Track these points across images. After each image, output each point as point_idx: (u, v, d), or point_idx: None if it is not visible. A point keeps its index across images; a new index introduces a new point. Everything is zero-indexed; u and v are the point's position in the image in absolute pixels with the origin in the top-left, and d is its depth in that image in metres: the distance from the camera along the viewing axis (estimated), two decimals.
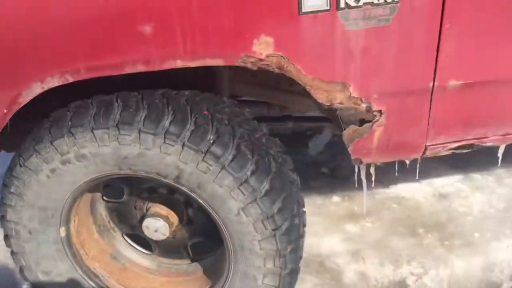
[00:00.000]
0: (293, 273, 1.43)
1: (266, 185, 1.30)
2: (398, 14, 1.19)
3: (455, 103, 1.38)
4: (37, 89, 1.22)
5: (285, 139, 2.89)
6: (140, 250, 1.72)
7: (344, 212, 2.22)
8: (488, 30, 1.25)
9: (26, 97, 1.23)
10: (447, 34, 1.23)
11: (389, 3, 1.17)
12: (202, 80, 1.55)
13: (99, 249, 1.63)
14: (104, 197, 1.65)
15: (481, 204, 2.17)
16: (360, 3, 1.16)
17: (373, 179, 1.70)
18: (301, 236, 1.43)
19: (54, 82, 1.21)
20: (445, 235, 2.03)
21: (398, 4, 1.17)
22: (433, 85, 1.32)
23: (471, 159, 2.36)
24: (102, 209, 1.66)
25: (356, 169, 1.65)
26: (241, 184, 1.27)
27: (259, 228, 1.32)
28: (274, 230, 1.32)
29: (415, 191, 2.29)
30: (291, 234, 1.36)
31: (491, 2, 1.22)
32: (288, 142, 2.79)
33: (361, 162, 1.53)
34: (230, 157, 1.26)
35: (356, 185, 1.71)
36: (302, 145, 2.72)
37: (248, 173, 1.27)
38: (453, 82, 1.32)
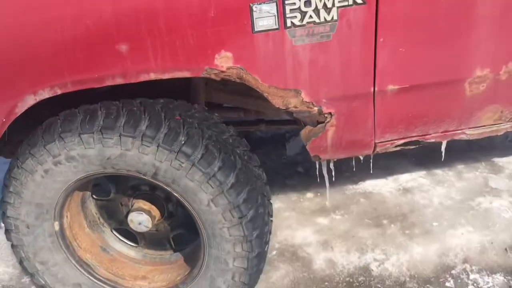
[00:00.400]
0: (260, 256, 1.63)
1: (232, 179, 1.50)
2: (337, 31, 1.39)
3: (396, 104, 1.58)
4: (30, 100, 1.42)
5: (266, 142, 3.13)
6: (127, 243, 1.91)
7: (316, 207, 2.42)
8: (416, 41, 1.46)
9: (21, 107, 1.43)
10: (381, 47, 1.43)
11: (329, 21, 1.38)
12: (181, 89, 1.76)
13: (90, 241, 1.83)
14: (93, 196, 1.85)
15: (440, 197, 2.37)
16: (304, 22, 1.37)
17: (333, 173, 1.89)
18: (266, 223, 1.63)
19: (45, 94, 1.41)
20: (407, 225, 2.23)
21: (336, 23, 1.38)
22: (374, 89, 1.52)
23: (434, 156, 2.58)
24: (92, 206, 1.86)
25: (317, 165, 1.85)
26: (209, 178, 1.47)
27: (227, 217, 1.52)
28: (240, 218, 1.52)
29: (382, 186, 2.49)
30: (256, 222, 1.56)
31: (417, 19, 1.43)
32: (268, 144, 3.04)
33: (319, 159, 1.73)
34: (199, 155, 1.46)
35: (318, 180, 1.91)
36: (281, 146, 2.93)
37: (215, 169, 1.48)
38: (391, 87, 1.52)
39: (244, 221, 1.53)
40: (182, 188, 1.50)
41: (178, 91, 1.69)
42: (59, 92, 1.40)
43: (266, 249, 1.67)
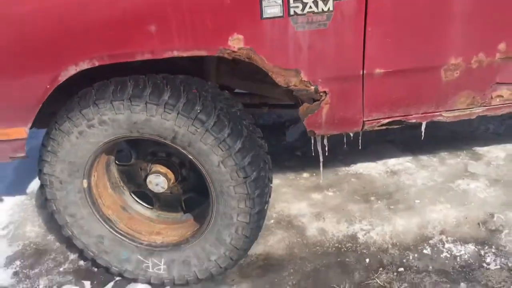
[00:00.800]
0: (260, 213, 1.89)
1: (239, 144, 1.76)
2: (333, 20, 1.65)
3: (382, 86, 1.83)
4: (72, 70, 1.68)
5: (268, 129, 3.40)
6: (144, 205, 2.17)
7: (311, 185, 2.68)
8: (400, 31, 1.71)
9: (64, 76, 1.69)
10: (369, 35, 1.69)
11: (326, 12, 1.64)
12: (196, 71, 2.02)
13: (112, 200, 2.08)
14: (117, 161, 2.11)
15: (424, 179, 2.62)
16: (305, 12, 1.63)
17: (326, 149, 2.14)
18: (266, 185, 1.89)
19: (84, 65, 1.67)
20: (392, 202, 2.49)
21: (332, 13, 1.64)
22: (363, 72, 1.78)
23: (421, 144, 2.85)
24: (115, 171, 2.12)
25: (313, 141, 2.11)
26: (220, 143, 1.73)
27: (234, 177, 1.78)
28: (245, 178, 1.78)
29: (371, 169, 2.75)
30: (258, 182, 1.82)
31: (401, 13, 1.69)
32: (270, 131, 3.30)
33: (314, 134, 1.99)
34: (212, 123, 1.72)
35: (313, 154, 2.17)
36: (281, 133, 3.20)
37: (225, 135, 1.73)
38: (378, 71, 1.78)
39: (248, 181, 1.78)
40: (196, 151, 1.76)
41: (194, 73, 1.95)
42: (96, 64, 1.66)
43: (265, 207, 1.92)
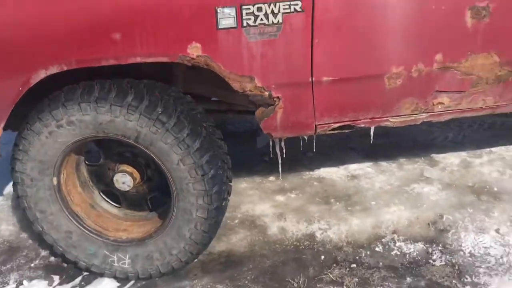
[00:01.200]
0: (218, 209, 2.02)
1: (197, 144, 1.90)
2: (282, 32, 1.82)
3: (331, 93, 1.99)
4: (42, 74, 1.82)
5: (238, 135, 3.54)
6: (111, 203, 2.30)
7: (276, 188, 2.82)
8: (345, 42, 1.88)
9: (34, 79, 1.83)
10: (317, 45, 1.86)
11: (276, 24, 1.80)
12: (165, 78, 2.17)
13: (81, 198, 2.20)
14: (86, 162, 2.24)
15: (382, 183, 2.78)
16: (257, 23, 1.79)
17: (284, 151, 2.29)
18: (224, 183, 2.03)
19: (54, 69, 1.81)
20: (350, 203, 2.63)
21: (281, 25, 1.81)
22: (312, 80, 1.94)
23: (381, 151, 3.02)
24: (84, 171, 2.24)
25: (271, 143, 2.26)
26: (179, 142, 1.88)
27: (192, 174, 1.92)
28: (202, 175, 1.92)
29: (333, 173, 2.90)
30: (216, 180, 1.96)
31: (345, 26, 1.86)
32: (241, 137, 3.45)
33: (271, 136, 2.14)
34: (172, 123, 1.86)
35: (271, 156, 2.32)
36: (253, 140, 3.35)
37: (184, 135, 1.88)
38: (325, 78, 1.94)
39: (206, 178, 1.92)
40: (158, 150, 1.90)
41: (164, 80, 2.10)
42: (65, 68, 1.81)
43: (223, 204, 2.06)
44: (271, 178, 2.91)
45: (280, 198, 2.73)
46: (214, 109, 2.68)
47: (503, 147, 3.04)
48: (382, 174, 2.86)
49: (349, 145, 3.14)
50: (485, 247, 2.26)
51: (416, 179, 2.80)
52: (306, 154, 3.05)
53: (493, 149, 3.05)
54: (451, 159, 2.96)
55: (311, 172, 2.93)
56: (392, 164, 2.96)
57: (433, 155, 3.02)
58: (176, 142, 1.87)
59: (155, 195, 2.22)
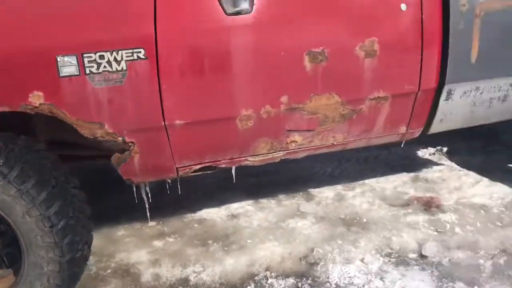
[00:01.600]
0: (72, 261, 1.94)
1: (43, 195, 1.83)
2: (128, 78, 1.84)
3: (185, 136, 2.03)
4: None
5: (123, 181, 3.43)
6: None
7: (155, 233, 2.78)
8: (192, 87, 1.94)
9: None
10: (164, 91, 1.90)
11: (120, 71, 1.83)
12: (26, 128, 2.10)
13: None
14: None
15: (260, 220, 2.84)
16: (100, 71, 1.81)
17: (149, 195, 2.28)
18: (77, 233, 1.96)
19: None
20: (227, 243, 2.65)
21: (126, 72, 1.84)
22: (165, 124, 1.97)
23: (263, 189, 3.10)
24: None
25: (135, 188, 2.24)
26: (23, 193, 1.80)
27: (40, 226, 1.84)
28: (51, 227, 1.85)
29: (214, 214, 2.92)
30: (67, 231, 1.89)
31: (190, 71, 1.92)
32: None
33: (132, 182, 2.12)
34: (14, 174, 1.79)
35: (136, 201, 2.29)
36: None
37: (29, 186, 1.81)
38: (178, 122, 1.98)
39: (55, 229, 1.85)
40: (0, 202, 1.81)
41: (24, 128, 2.03)
42: None
43: (78, 255, 1.98)
44: (151, 223, 2.87)
45: (158, 243, 2.68)
46: (86, 155, 2.63)
47: (374, 179, 3.25)
48: (261, 211, 2.93)
49: (231, 185, 3.18)
50: (350, 277, 2.36)
51: (292, 214, 2.89)
52: (189, 196, 3.05)
53: (366, 181, 3.25)
54: (327, 193, 3.10)
55: (192, 214, 2.93)
56: (271, 200, 3.04)
57: (310, 190, 3.14)
58: (19, 193, 1.80)
59: (9, 251, 2.09)
